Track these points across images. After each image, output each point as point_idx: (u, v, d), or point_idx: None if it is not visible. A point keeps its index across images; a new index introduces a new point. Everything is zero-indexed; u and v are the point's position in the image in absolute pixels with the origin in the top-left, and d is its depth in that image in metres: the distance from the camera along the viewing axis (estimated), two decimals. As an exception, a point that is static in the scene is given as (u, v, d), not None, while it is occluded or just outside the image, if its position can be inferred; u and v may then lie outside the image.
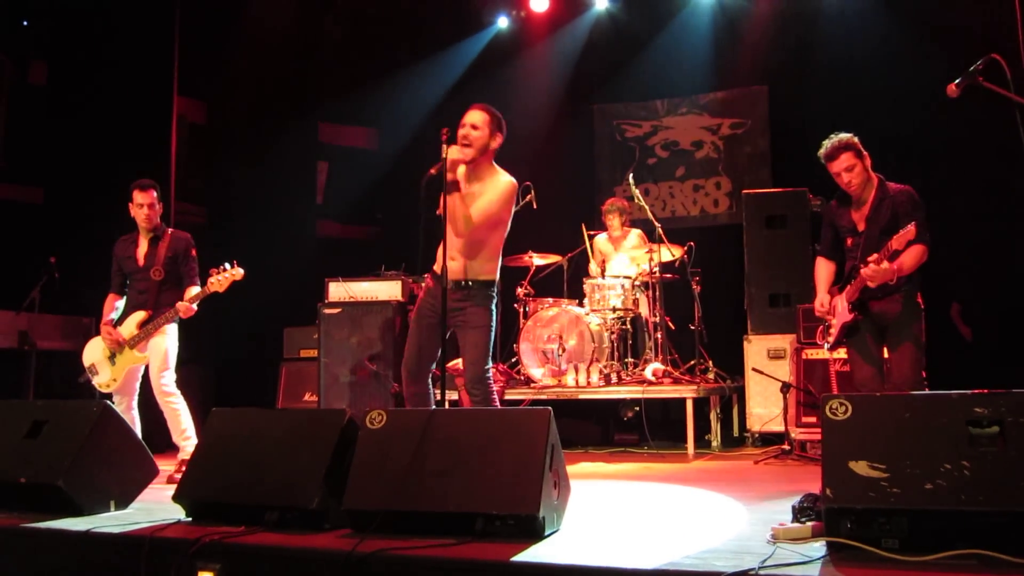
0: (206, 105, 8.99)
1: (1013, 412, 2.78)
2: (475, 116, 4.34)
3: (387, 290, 7.02)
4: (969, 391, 2.89)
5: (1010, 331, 6.81)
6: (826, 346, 4.93)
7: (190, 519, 3.60)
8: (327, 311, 7.02)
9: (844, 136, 4.65)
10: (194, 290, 5.47)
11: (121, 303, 5.58)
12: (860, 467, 2.81)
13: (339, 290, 7.10)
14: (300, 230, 9.21)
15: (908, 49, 7.39)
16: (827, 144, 4.67)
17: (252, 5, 8.75)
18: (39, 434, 4.00)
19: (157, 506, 3.93)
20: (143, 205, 5.45)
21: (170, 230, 5.62)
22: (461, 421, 3.51)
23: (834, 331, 4.80)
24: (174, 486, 3.79)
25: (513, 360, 7.05)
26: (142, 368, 5.45)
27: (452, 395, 6.65)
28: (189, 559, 3.07)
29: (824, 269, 4.96)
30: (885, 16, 7.71)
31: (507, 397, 6.63)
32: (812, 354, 6.23)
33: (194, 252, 5.58)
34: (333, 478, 3.40)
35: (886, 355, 4.73)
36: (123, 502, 4.00)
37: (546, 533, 3.13)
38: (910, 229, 4.30)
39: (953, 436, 2.80)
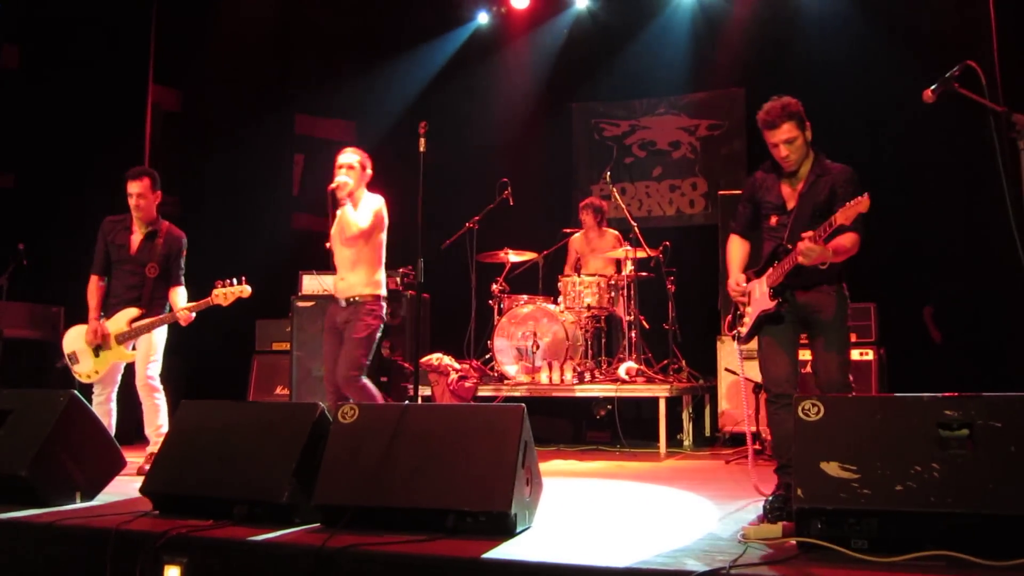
0: (181, 94, 8.87)
1: (983, 415, 2.81)
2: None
3: (361, 284, 6.95)
4: (940, 394, 2.92)
5: (981, 334, 6.88)
6: (737, 338, 4.15)
7: (157, 512, 3.56)
8: (300, 304, 6.96)
9: (788, 100, 3.88)
10: (181, 291, 5.39)
11: (104, 284, 5.40)
12: (831, 468, 2.83)
13: (313, 283, 7.04)
14: (275, 222, 9.12)
15: (885, 53, 7.45)
16: (768, 107, 3.89)
17: (229, -6, 8.68)
18: (3, 423, 3.96)
19: (124, 498, 3.89)
20: (133, 195, 5.30)
21: (166, 224, 5.47)
22: (434, 417, 3.49)
23: (749, 320, 4.05)
24: (142, 478, 3.75)
25: (487, 356, 7.03)
26: (124, 363, 5.36)
27: (425, 391, 6.64)
28: (156, 552, 3.03)
29: (739, 248, 4.22)
30: (862, 20, 7.77)
31: (480, 393, 6.62)
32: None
33: (184, 253, 5.49)
34: (304, 472, 3.38)
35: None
36: (89, 494, 3.96)
37: (517, 530, 3.13)
38: (862, 200, 3.55)
39: (923, 438, 2.83)
